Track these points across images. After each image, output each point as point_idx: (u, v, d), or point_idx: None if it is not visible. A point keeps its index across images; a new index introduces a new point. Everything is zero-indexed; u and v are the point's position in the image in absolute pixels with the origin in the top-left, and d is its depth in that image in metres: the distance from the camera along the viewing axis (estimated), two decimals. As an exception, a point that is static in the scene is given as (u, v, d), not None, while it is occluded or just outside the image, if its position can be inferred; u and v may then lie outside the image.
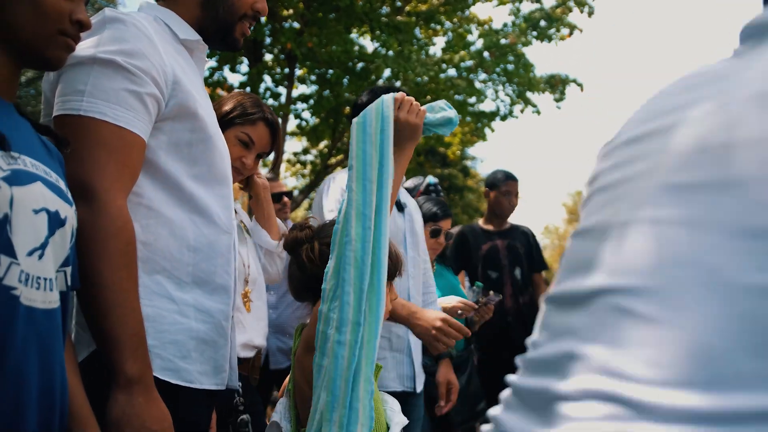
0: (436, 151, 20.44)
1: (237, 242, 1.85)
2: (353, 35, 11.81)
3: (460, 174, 23.39)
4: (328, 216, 2.51)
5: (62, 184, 1.34)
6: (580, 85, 11.82)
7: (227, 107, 2.40)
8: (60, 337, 1.30)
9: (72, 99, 1.47)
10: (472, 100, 12.35)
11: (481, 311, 3.42)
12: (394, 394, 2.56)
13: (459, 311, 3.24)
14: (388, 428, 1.77)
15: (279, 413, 1.84)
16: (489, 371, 4.31)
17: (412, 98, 1.82)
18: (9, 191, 1.16)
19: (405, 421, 1.80)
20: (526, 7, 11.58)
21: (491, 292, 3.54)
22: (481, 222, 5.04)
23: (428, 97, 11.17)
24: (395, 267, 1.86)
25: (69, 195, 1.35)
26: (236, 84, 11.83)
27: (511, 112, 12.43)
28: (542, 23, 11.45)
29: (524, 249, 4.86)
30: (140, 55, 1.53)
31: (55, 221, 1.27)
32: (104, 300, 1.40)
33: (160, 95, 1.57)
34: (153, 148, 1.59)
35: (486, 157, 26.65)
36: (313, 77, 12.28)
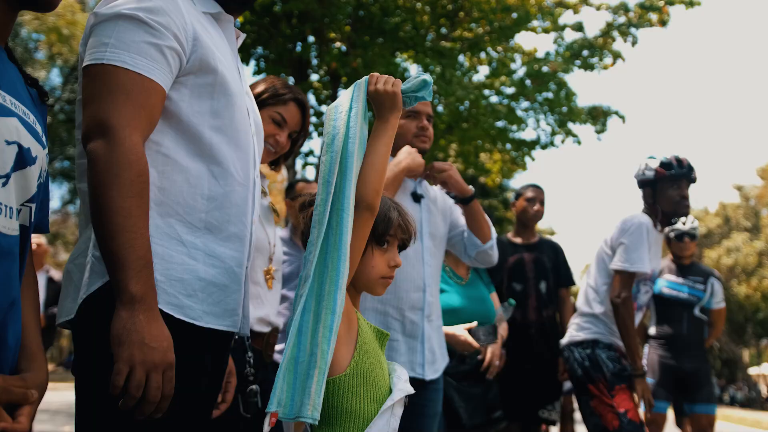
0: (476, 181, 20.48)
1: (256, 198, 1.91)
2: (398, 59, 11.99)
3: (500, 205, 23.34)
4: None
5: (39, 128, 1.43)
6: (622, 117, 11.79)
7: (259, 89, 2.52)
8: (16, 265, 1.38)
9: (97, 51, 1.60)
10: (513, 128, 12.40)
11: (483, 350, 3.54)
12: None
13: (460, 349, 3.26)
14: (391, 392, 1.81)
15: None
16: (509, 382, 4.32)
17: (383, 75, 1.91)
18: None
19: (409, 389, 1.82)
20: (570, 36, 11.64)
21: (501, 307, 3.72)
22: (509, 235, 5.08)
23: (467, 124, 11.24)
24: (407, 237, 1.92)
25: (44, 139, 1.44)
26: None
27: (552, 142, 12.43)
28: (585, 52, 11.46)
29: (551, 263, 4.88)
30: (161, 12, 1.64)
31: (26, 157, 1.37)
32: (114, 224, 1.48)
33: (181, 50, 1.67)
34: (175, 100, 1.69)
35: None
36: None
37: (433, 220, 2.98)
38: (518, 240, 4.96)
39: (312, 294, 1.65)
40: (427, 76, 1.88)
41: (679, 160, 3.91)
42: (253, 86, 2.54)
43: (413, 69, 12.43)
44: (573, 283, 5.05)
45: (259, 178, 1.96)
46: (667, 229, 5.32)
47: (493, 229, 3.13)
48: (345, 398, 1.70)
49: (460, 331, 3.18)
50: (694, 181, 3.94)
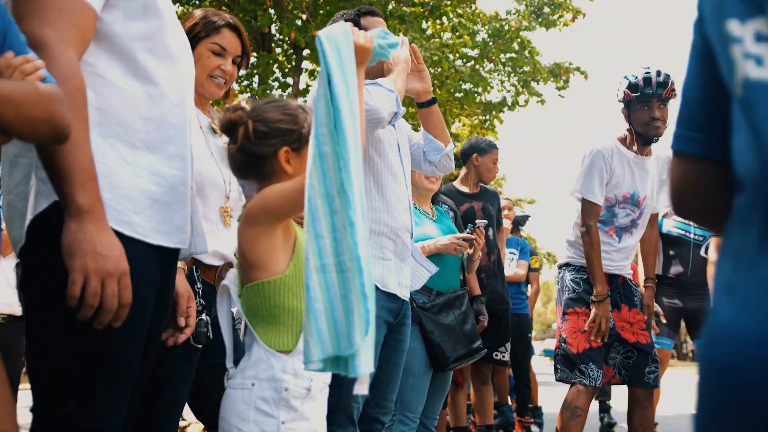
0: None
1: (191, 119, 1.93)
2: (360, 27, 11.93)
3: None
4: None
5: None
6: (583, 73, 11.86)
7: (189, 24, 2.50)
8: None
9: None
10: (479, 90, 12.43)
11: (476, 239, 3.81)
12: (394, 300, 2.69)
13: (456, 248, 3.62)
14: None
15: (228, 279, 1.98)
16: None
17: (356, 29, 1.97)
18: None
19: None
20: (531, -5, 11.68)
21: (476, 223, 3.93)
22: (456, 183, 5.16)
23: (435, 83, 11.27)
24: None
25: None
26: (243, 72, 12.01)
27: (516, 102, 12.49)
28: (546, 10, 11.50)
29: (495, 210, 5.06)
30: None
31: None
32: None
33: None
34: (108, 22, 1.69)
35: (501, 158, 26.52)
36: (319, 68, 12.39)
37: (403, 140, 2.98)
38: (465, 189, 5.07)
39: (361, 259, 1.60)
40: (397, 38, 1.94)
41: (647, 79, 3.83)
42: (182, 23, 2.54)
43: (375, 36, 12.37)
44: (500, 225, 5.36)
45: (193, 103, 1.98)
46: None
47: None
48: (285, 297, 1.81)
49: (439, 238, 3.61)
50: (667, 98, 3.86)
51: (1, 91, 1.32)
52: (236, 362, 1.90)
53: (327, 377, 1.85)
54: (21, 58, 1.40)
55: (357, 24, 2.79)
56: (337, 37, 1.85)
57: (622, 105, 3.98)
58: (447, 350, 3.43)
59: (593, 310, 3.77)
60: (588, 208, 3.85)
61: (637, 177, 3.97)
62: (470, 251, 3.82)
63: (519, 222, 7.70)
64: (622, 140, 3.98)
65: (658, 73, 3.84)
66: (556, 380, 3.94)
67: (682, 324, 5.42)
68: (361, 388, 1.62)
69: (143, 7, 1.75)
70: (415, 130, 3.26)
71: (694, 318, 5.24)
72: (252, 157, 1.91)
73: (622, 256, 4.02)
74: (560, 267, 4.14)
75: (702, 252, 5.38)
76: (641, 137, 3.91)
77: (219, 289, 2.03)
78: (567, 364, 3.80)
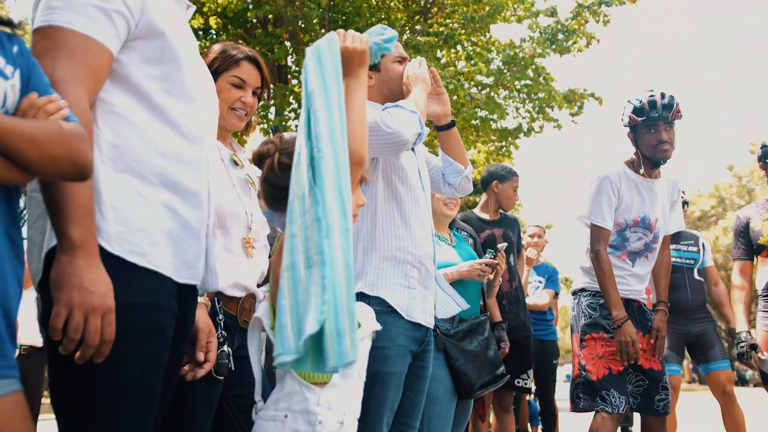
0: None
1: (210, 156, 1.95)
2: (375, 57, 12.03)
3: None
4: None
5: (0, 60, 1.43)
6: (598, 99, 11.86)
7: (210, 58, 2.55)
8: None
9: (46, 13, 1.66)
10: (494, 117, 12.47)
11: (499, 264, 3.81)
12: (419, 329, 2.64)
13: (479, 273, 3.65)
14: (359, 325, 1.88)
15: (260, 312, 1.96)
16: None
17: (351, 31, 1.98)
18: None
19: (376, 326, 1.92)
20: (544, 21, 11.72)
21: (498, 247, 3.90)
22: (476, 211, 5.16)
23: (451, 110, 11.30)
24: (369, 179, 2.02)
25: (6, 70, 1.43)
26: (260, 103, 12.13)
27: (532, 128, 12.50)
28: (559, 36, 11.54)
29: (515, 237, 5.07)
30: None
31: None
32: None
33: (128, 13, 1.72)
34: (125, 63, 1.75)
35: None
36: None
37: (423, 166, 2.95)
38: (486, 216, 5.08)
39: (334, 248, 1.65)
40: (392, 32, 1.96)
41: (652, 102, 3.82)
42: (203, 57, 2.58)
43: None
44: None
45: (214, 139, 2.01)
46: None
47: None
48: None
49: (462, 264, 3.62)
50: (673, 120, 3.84)
51: (25, 131, 1.35)
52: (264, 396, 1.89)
53: (357, 411, 1.84)
54: (45, 98, 1.43)
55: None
56: (321, 47, 1.89)
57: (627, 129, 3.97)
58: (472, 377, 3.40)
59: (616, 336, 3.71)
60: (596, 233, 3.83)
61: (647, 200, 3.95)
62: (491, 276, 3.80)
63: None
64: (630, 164, 3.97)
65: (663, 96, 3.83)
66: (575, 410, 3.87)
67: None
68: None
69: (160, 49, 1.79)
70: (434, 154, 3.25)
71: (697, 342, 5.20)
72: (277, 188, 1.92)
73: (637, 281, 3.97)
74: (575, 293, 4.10)
75: (695, 275, 5.35)
76: (649, 160, 3.89)
77: (251, 322, 2.01)
78: (589, 392, 3.75)
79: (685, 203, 5.60)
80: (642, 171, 3.92)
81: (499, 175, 5.16)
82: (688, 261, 5.38)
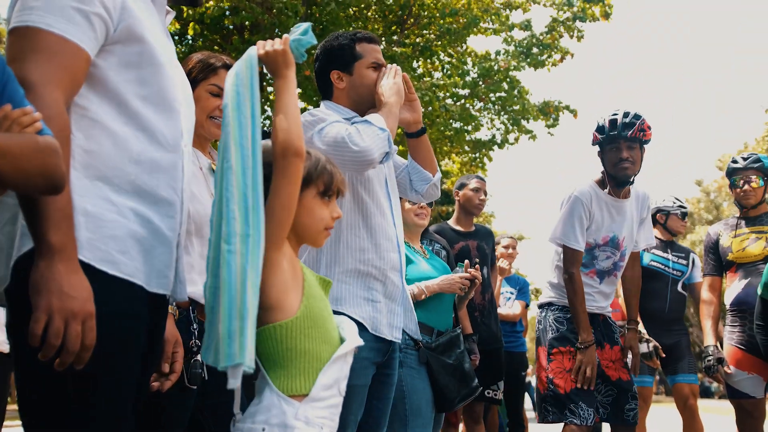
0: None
1: (185, 166, 1.93)
2: (351, 66, 12.07)
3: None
4: None
5: None
6: (572, 111, 12.00)
7: (187, 68, 2.54)
8: None
9: (24, 13, 1.63)
10: (469, 128, 12.56)
11: (478, 278, 3.88)
12: (383, 341, 2.62)
13: (461, 287, 3.69)
14: (342, 341, 1.89)
15: None
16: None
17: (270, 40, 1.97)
18: None
19: (360, 341, 1.91)
20: (519, 35, 11.85)
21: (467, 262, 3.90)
22: (451, 222, 5.19)
23: (425, 121, 11.36)
24: (344, 189, 2.00)
25: None
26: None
27: (506, 140, 12.60)
28: (534, 50, 11.67)
29: (489, 249, 5.06)
30: None
31: None
32: None
33: (108, 17, 1.70)
34: (102, 68, 1.72)
35: (491, 195, 26.74)
36: (310, 107, 12.55)
37: (391, 175, 2.90)
38: (460, 228, 5.10)
39: (234, 252, 1.71)
40: (306, 24, 1.97)
41: (613, 121, 3.87)
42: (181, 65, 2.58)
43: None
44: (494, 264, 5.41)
45: (190, 147, 1.98)
46: (663, 206, 5.58)
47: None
48: (298, 340, 1.78)
49: (443, 277, 3.66)
50: (634, 138, 3.86)
51: None
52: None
53: (336, 424, 1.84)
54: (19, 110, 1.42)
55: (352, 50, 2.76)
56: (238, 61, 1.91)
57: (597, 148, 4.01)
58: (453, 391, 3.40)
59: (578, 357, 3.77)
60: (570, 254, 3.88)
61: (616, 219, 4.00)
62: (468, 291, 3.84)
63: None
64: (599, 182, 4.01)
65: (625, 114, 3.88)
66: (543, 422, 3.91)
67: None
68: (234, 382, 1.67)
69: (138, 54, 1.77)
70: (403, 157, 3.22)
71: (668, 354, 5.21)
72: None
73: (603, 297, 4.05)
74: (541, 306, 4.15)
75: (679, 287, 5.42)
76: (613, 179, 3.93)
77: None
78: (557, 404, 3.79)
79: (684, 215, 5.66)
80: (608, 190, 3.97)
81: (459, 184, 5.24)
82: (675, 272, 5.42)
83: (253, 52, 1.91)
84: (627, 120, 3.85)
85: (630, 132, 3.84)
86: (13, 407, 6.87)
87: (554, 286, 4.08)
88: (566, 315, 3.94)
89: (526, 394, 10.06)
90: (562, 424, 3.79)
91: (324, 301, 1.92)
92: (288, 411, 1.72)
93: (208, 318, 1.76)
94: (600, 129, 3.93)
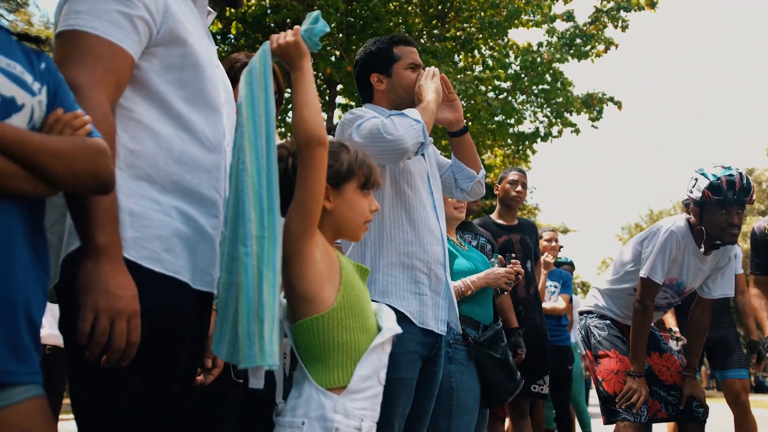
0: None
1: (228, 163, 1.94)
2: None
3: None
4: None
5: (28, 77, 1.46)
6: (617, 103, 11.81)
7: (226, 67, 2.55)
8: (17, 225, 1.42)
9: (70, 17, 1.68)
10: (511, 122, 12.45)
11: (521, 272, 3.83)
12: (430, 335, 2.64)
13: (506, 281, 3.65)
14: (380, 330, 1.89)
15: (282, 313, 1.92)
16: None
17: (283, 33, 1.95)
18: None
19: (398, 329, 1.91)
20: (561, 26, 11.71)
21: (500, 257, 3.88)
22: (494, 217, 5.16)
23: (467, 115, 11.32)
24: (371, 177, 1.97)
25: (33, 87, 1.46)
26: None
27: (549, 133, 12.47)
28: (577, 41, 11.52)
29: (533, 243, 5.02)
30: None
31: (9, 105, 1.41)
32: None
33: (151, 20, 1.73)
34: (145, 70, 1.76)
35: (535, 187, 26.71)
36: (353, 103, 12.58)
37: (434, 171, 2.93)
38: (502, 222, 5.07)
39: (250, 254, 1.71)
40: (316, 12, 1.94)
41: (731, 183, 3.61)
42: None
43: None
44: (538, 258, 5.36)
45: (231, 147, 1.99)
46: None
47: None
48: (335, 332, 1.79)
49: (489, 272, 3.61)
50: (745, 204, 3.68)
51: (50, 147, 1.39)
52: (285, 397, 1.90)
53: (376, 416, 1.85)
54: (70, 114, 1.46)
55: (389, 52, 2.81)
56: (252, 60, 1.89)
57: (691, 202, 3.79)
58: (501, 385, 3.40)
59: (629, 383, 3.75)
60: (649, 286, 3.77)
61: (692, 271, 3.87)
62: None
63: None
64: (692, 227, 3.82)
65: (742, 177, 3.65)
66: (608, 423, 3.90)
67: None
68: (256, 382, 1.69)
69: (181, 56, 1.80)
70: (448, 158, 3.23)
71: (717, 348, 5.12)
72: (287, 191, 1.87)
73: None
74: (582, 313, 4.15)
75: None
76: (711, 238, 3.75)
77: None
78: (608, 404, 3.79)
79: None
80: (702, 248, 3.81)
81: (499, 178, 5.23)
82: None
83: (266, 47, 1.90)
84: (744, 183, 3.64)
85: (747, 198, 3.65)
86: (68, 401, 7.05)
87: (603, 293, 4.06)
88: (605, 321, 3.98)
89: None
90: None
91: (363, 289, 1.92)
92: (327, 404, 1.73)
93: (220, 313, 1.77)
94: (715, 189, 3.64)
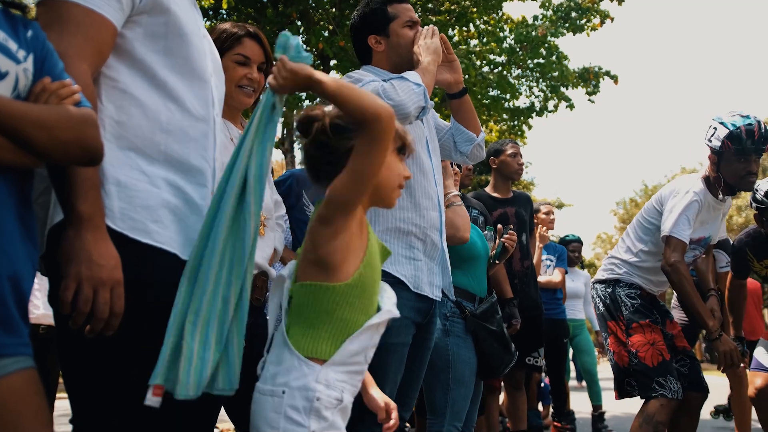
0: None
1: (217, 135, 1.94)
2: (387, 36, 11.95)
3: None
4: None
5: (12, 45, 1.43)
6: (613, 77, 11.75)
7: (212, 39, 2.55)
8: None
9: None
10: (506, 96, 12.38)
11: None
12: (424, 300, 2.64)
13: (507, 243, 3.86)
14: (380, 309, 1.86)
15: (287, 270, 1.91)
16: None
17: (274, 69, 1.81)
18: None
19: (396, 313, 1.87)
20: (557, 0, 11.60)
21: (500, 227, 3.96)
22: (488, 190, 5.14)
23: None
24: (406, 141, 1.92)
25: (18, 54, 1.44)
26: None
27: (545, 108, 12.40)
28: (573, 14, 11.41)
29: (528, 216, 5.01)
30: None
31: None
32: None
33: None
34: (129, 39, 1.74)
35: (530, 162, 26.53)
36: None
37: (432, 136, 2.89)
38: (497, 195, 5.05)
39: (219, 283, 1.70)
40: (279, 39, 1.75)
41: (750, 132, 3.64)
42: None
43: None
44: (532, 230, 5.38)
45: (220, 117, 1.99)
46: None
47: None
48: (339, 306, 1.76)
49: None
50: (762, 152, 3.70)
51: (33, 116, 1.36)
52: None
53: (356, 389, 1.83)
54: (57, 83, 1.44)
55: (384, 12, 2.76)
56: (259, 104, 1.80)
57: (711, 150, 3.80)
58: (498, 357, 3.40)
59: (718, 346, 3.69)
60: (676, 244, 3.71)
61: (715, 222, 3.92)
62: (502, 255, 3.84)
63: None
64: (707, 182, 3.85)
65: (760, 125, 3.66)
66: (623, 397, 3.89)
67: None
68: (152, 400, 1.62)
69: (164, 24, 1.78)
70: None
71: None
72: (326, 152, 1.80)
73: (665, 283, 3.99)
74: (605, 282, 4.05)
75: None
76: (729, 188, 3.79)
77: (274, 280, 1.95)
78: (643, 378, 3.71)
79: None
80: (720, 196, 3.84)
81: (493, 150, 5.16)
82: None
83: (267, 94, 1.80)
84: (763, 132, 3.65)
85: (765, 146, 3.67)
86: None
87: (625, 262, 4.00)
88: (637, 291, 3.92)
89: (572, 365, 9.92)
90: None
91: (378, 272, 1.89)
92: (309, 374, 1.71)
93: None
94: (735, 138, 3.66)
